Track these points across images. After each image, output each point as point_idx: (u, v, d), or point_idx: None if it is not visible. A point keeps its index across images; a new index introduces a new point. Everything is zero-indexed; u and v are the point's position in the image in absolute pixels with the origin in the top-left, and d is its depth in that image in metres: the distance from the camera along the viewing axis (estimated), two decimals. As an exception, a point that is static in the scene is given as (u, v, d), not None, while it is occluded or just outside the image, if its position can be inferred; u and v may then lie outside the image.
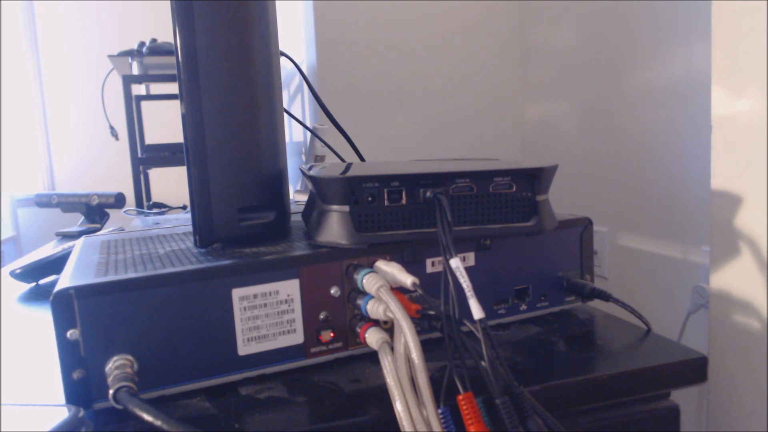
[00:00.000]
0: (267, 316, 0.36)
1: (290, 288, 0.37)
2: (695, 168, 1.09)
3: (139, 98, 2.17)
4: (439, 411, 0.31)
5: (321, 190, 0.40)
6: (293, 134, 2.07)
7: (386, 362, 0.32)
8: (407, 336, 0.31)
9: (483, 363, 0.30)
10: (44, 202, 1.27)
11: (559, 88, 1.52)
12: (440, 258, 0.42)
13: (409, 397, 0.31)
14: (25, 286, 0.69)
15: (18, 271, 0.68)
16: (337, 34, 1.57)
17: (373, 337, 0.35)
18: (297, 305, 0.37)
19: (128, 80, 1.97)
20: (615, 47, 1.28)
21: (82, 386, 0.32)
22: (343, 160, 0.83)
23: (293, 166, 1.82)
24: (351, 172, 0.41)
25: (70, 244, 0.76)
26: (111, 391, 0.30)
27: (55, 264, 0.69)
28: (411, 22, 1.62)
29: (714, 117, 0.71)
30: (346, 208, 0.39)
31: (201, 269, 0.35)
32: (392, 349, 0.33)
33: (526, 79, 1.69)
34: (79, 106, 2.92)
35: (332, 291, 0.38)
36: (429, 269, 0.42)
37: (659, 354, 0.41)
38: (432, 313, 0.34)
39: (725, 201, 0.70)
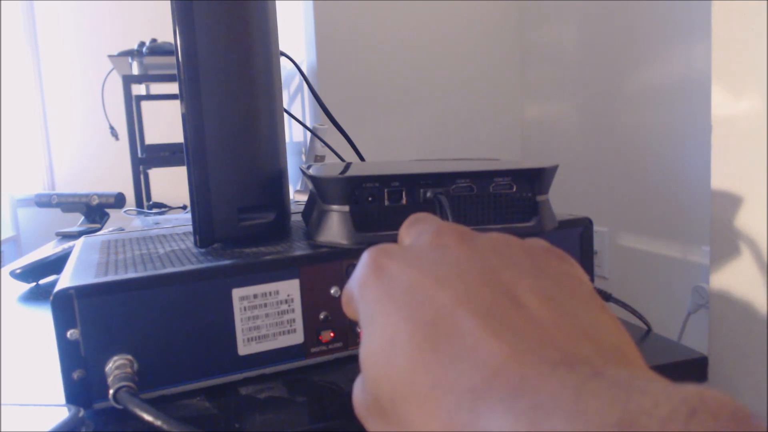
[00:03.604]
0: (267, 316, 0.36)
1: (290, 288, 0.37)
2: (695, 168, 1.09)
3: (139, 98, 2.17)
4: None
5: (321, 190, 0.40)
6: (293, 134, 2.08)
7: (386, 362, 0.32)
8: (407, 336, 0.31)
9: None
10: (44, 202, 1.26)
11: (559, 88, 1.52)
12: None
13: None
14: (25, 286, 0.69)
15: (18, 271, 0.68)
16: (337, 33, 1.57)
17: (373, 337, 0.35)
18: (297, 305, 0.37)
19: (128, 80, 1.97)
20: (615, 47, 1.28)
21: (82, 386, 0.32)
22: (343, 160, 0.83)
23: (293, 166, 1.82)
24: (351, 172, 0.41)
25: (70, 244, 0.76)
26: (111, 391, 0.30)
27: (55, 264, 0.69)
28: (411, 22, 1.62)
29: (714, 117, 0.71)
30: (346, 208, 0.39)
31: (201, 269, 0.35)
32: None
33: (526, 79, 1.69)
34: (79, 106, 2.92)
35: (332, 291, 0.38)
36: (429, 269, 0.42)
37: (659, 354, 0.41)
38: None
39: (725, 201, 0.70)
